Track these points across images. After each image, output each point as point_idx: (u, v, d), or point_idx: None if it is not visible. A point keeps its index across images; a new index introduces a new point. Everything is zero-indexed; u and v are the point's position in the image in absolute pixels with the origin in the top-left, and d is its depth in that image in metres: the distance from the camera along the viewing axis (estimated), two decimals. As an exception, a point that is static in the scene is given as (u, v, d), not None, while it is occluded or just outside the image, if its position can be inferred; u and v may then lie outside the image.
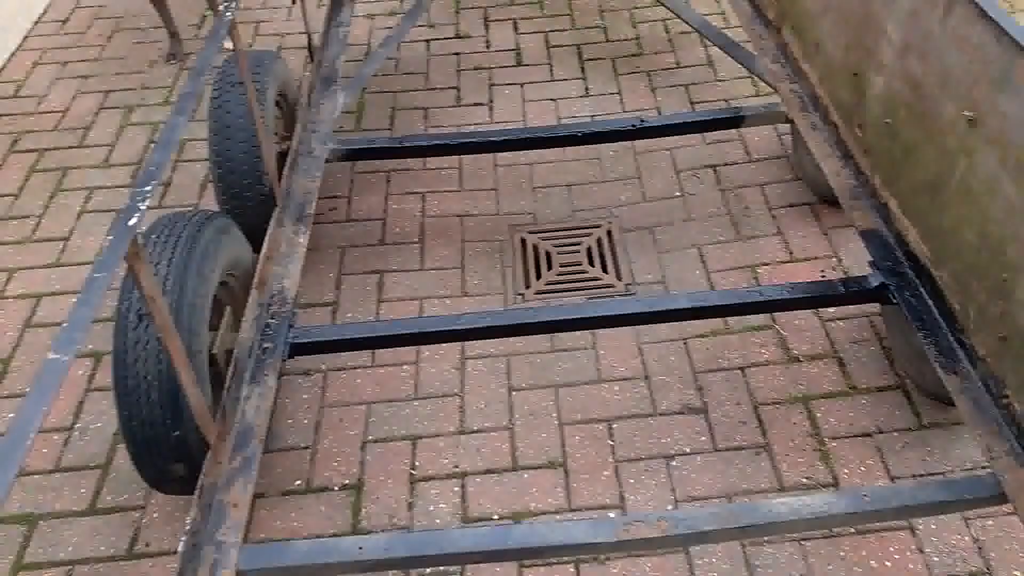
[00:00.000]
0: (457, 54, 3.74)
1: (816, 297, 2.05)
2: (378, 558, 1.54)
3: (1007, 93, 1.60)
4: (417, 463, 2.29)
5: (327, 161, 2.56)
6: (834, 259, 2.75)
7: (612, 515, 2.07)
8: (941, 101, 1.83)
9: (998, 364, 1.71)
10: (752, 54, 2.82)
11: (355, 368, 2.54)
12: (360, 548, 1.56)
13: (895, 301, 1.97)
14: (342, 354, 2.55)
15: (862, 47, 2.15)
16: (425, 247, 2.89)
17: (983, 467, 2.14)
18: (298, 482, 2.28)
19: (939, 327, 1.89)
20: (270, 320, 2.03)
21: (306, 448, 2.35)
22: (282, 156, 2.66)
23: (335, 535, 2.15)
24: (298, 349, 2.01)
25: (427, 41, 3.83)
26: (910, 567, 2.02)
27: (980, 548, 2.04)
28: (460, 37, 3.84)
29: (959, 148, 1.78)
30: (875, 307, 2.51)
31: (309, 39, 2.81)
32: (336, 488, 2.26)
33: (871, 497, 1.61)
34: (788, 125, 2.85)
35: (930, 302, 1.93)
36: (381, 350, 2.55)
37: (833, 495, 1.62)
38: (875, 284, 2.02)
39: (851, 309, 2.57)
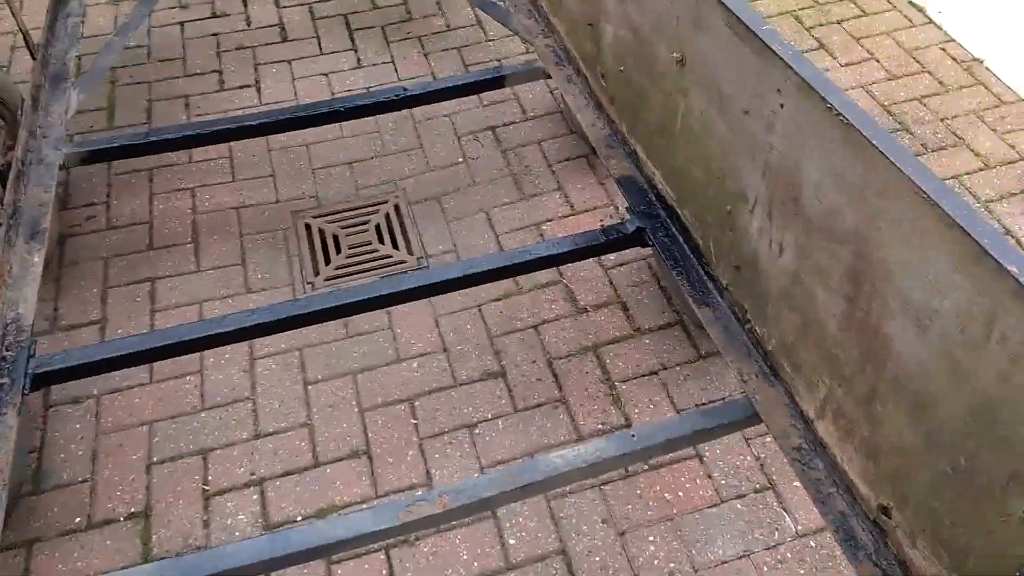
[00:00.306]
0: (216, 35, 3.49)
1: (581, 249, 2.10)
2: (146, 593, 1.42)
3: (703, 31, 1.68)
4: (210, 477, 2.16)
5: (64, 167, 2.31)
6: (612, 207, 2.84)
7: (396, 498, 2.04)
8: (656, 45, 1.90)
9: (738, 291, 1.83)
10: (509, 11, 2.82)
11: (131, 387, 2.34)
12: (126, 586, 1.43)
13: (651, 243, 2.05)
14: (115, 375, 2.35)
15: (592, -2, 2.20)
16: (200, 246, 2.70)
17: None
18: (78, 519, 2.08)
19: (690, 263, 1.99)
20: (6, 352, 1.81)
21: (84, 481, 2.15)
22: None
23: (125, 567, 1.99)
24: (43, 379, 1.81)
25: (181, 23, 3.54)
26: (701, 493, 2.14)
27: (762, 466, 2.20)
28: (217, 16, 3.59)
29: (676, 89, 1.86)
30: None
31: (25, 34, 2.51)
32: (122, 518, 2.08)
33: (638, 436, 1.68)
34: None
35: (680, 239, 2.03)
36: (161, 364, 2.37)
37: (603, 440, 1.68)
38: (632, 229, 2.09)
39: (629, 255, 2.67)
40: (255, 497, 2.12)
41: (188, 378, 2.35)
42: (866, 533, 1.60)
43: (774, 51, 1.47)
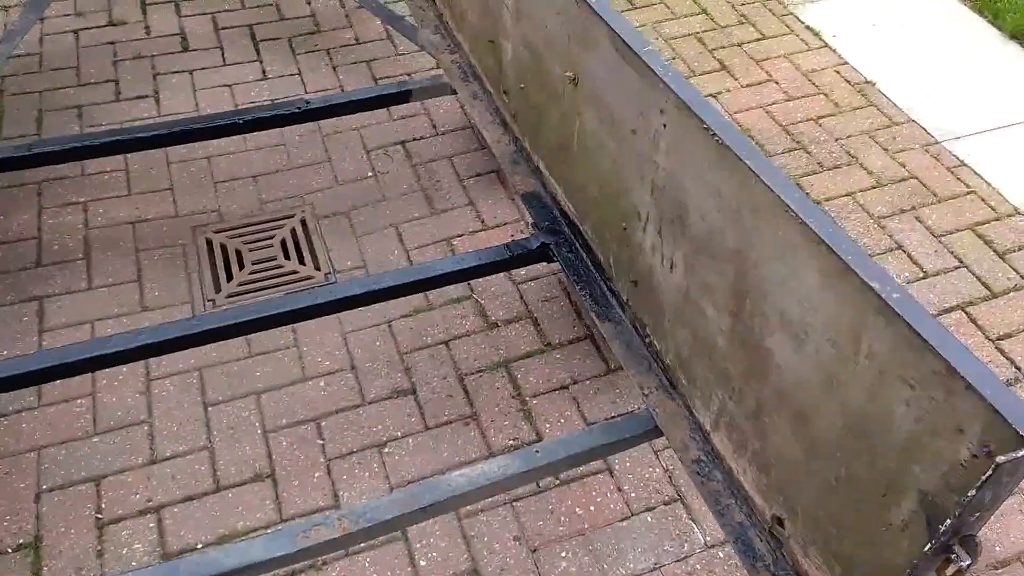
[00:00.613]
0: (112, 43, 3.37)
1: (487, 264, 2.11)
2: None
3: (591, 51, 1.72)
4: (103, 505, 2.07)
5: (-60, 181, 2.19)
6: (522, 222, 2.86)
7: (297, 523, 2.00)
8: (550, 63, 1.93)
9: (637, 306, 1.87)
10: (416, 26, 2.82)
11: (18, 412, 2.22)
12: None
13: (555, 258, 2.08)
14: (2, 399, 2.24)
15: (491, 13, 2.22)
16: (92, 263, 2.59)
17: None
18: (-41, 554, 1.97)
19: (593, 278, 2.03)
20: None
21: (-34, 514, 2.03)
22: None
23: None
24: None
25: (76, 32, 3.41)
26: (612, 507, 2.17)
27: (671, 478, 2.24)
28: (115, 24, 3.46)
29: (571, 108, 1.90)
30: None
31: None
32: (10, 550, 1.98)
33: (543, 452, 1.69)
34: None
35: (584, 255, 2.07)
36: (50, 387, 2.26)
37: (508, 458, 1.68)
38: (536, 245, 2.12)
39: (541, 269, 2.69)
40: (152, 525, 2.04)
41: (79, 401, 2.25)
42: (763, 543, 1.65)
43: (655, 72, 1.51)
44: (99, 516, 2.05)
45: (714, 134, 1.44)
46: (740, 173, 1.39)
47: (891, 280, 1.20)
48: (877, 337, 1.20)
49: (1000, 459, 1.00)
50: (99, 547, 2.00)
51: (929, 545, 1.12)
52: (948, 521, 1.09)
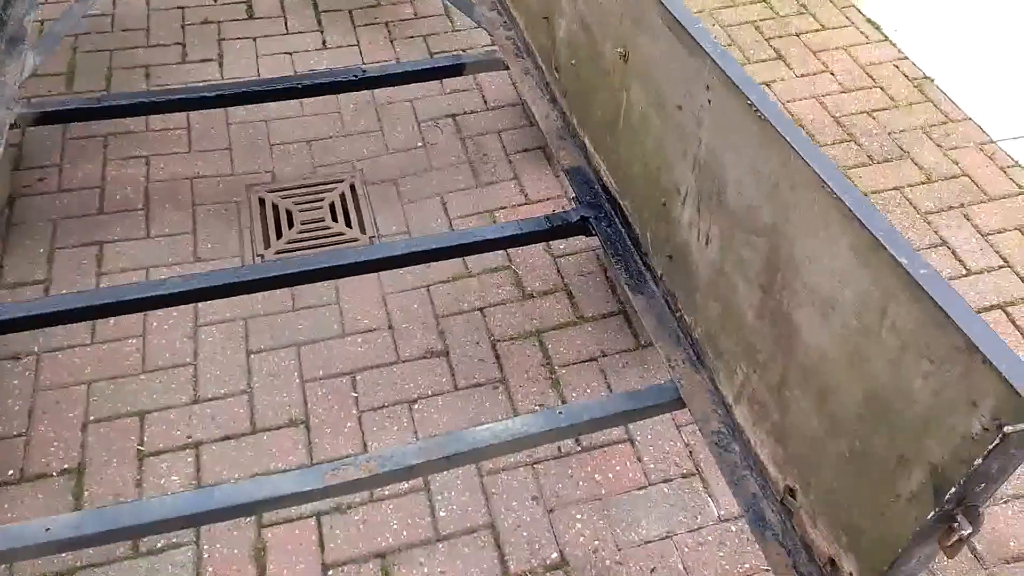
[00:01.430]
0: (182, 8, 3.49)
1: (526, 234, 2.15)
2: (67, 537, 1.45)
3: (643, 29, 1.75)
4: (146, 438, 2.18)
5: (14, 127, 2.32)
6: (564, 198, 2.90)
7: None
8: (602, 41, 1.96)
9: (671, 281, 1.89)
10: (472, 2, 2.87)
11: (73, 347, 2.35)
12: (47, 529, 1.46)
13: (594, 232, 2.12)
14: (58, 334, 2.37)
15: (548, -9, 2.26)
16: (151, 214, 2.71)
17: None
18: (11, 472, 2.09)
19: (630, 252, 2.06)
20: (-57, 303, 1.82)
21: (19, 436, 2.16)
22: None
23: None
24: (-18, 331, 1.82)
25: (147, -7, 3.55)
26: (631, 476, 2.21)
27: (691, 452, 2.27)
28: (184, -12, 3.60)
29: (620, 85, 1.93)
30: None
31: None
32: (55, 474, 2.10)
33: (565, 414, 1.74)
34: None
35: (622, 230, 2.10)
36: (102, 326, 2.38)
37: (532, 416, 1.73)
38: (576, 219, 2.16)
39: (578, 244, 2.73)
40: (190, 460, 2.14)
41: (130, 341, 2.37)
42: (775, 514, 1.68)
43: (704, 49, 1.53)
44: (140, 448, 2.16)
45: (757, 111, 1.46)
46: (780, 150, 1.42)
47: (919, 257, 1.21)
48: (902, 313, 1.22)
49: (1008, 429, 1.02)
50: (138, 477, 2.11)
51: (933, 513, 1.14)
52: (953, 490, 1.11)
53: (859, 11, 3.78)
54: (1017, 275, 2.70)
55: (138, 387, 2.27)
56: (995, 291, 2.65)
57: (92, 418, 2.20)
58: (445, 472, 2.15)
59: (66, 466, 2.11)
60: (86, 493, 2.06)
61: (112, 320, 2.40)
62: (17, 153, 2.85)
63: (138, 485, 2.08)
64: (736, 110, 1.51)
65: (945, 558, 1.78)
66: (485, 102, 3.23)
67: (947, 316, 1.13)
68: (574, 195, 2.26)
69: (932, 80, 3.45)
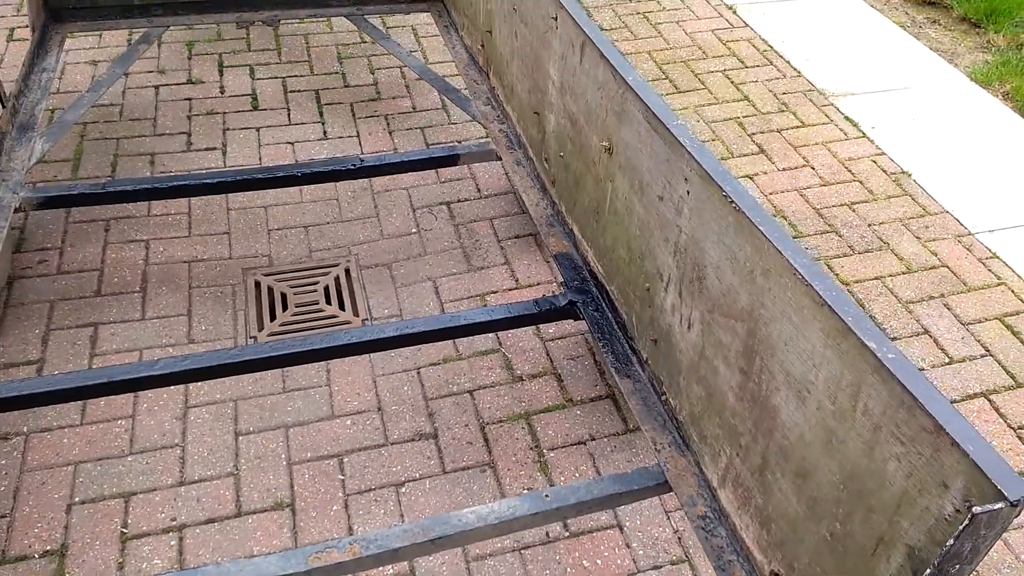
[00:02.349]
0: (189, 99, 3.65)
1: (515, 317, 2.20)
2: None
3: (626, 124, 1.85)
4: (129, 520, 2.16)
5: (19, 211, 2.39)
6: (554, 283, 2.96)
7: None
8: (589, 134, 2.06)
9: (656, 364, 1.93)
10: (469, 98, 3.01)
11: (62, 427, 2.35)
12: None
13: (582, 316, 2.17)
14: (48, 414, 2.38)
15: (538, 88, 2.38)
16: (147, 296, 2.76)
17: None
18: (-9, 556, 2.07)
19: (616, 336, 2.10)
20: (-63, 381, 1.84)
21: (2, 517, 2.14)
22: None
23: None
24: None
25: (156, 87, 3.70)
26: (619, 562, 2.19)
27: (680, 539, 2.26)
28: (192, 83, 3.75)
29: (605, 176, 2.01)
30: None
31: (-1, 86, 2.64)
32: (36, 556, 2.07)
33: (552, 496, 1.74)
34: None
35: (609, 314, 2.15)
36: (92, 406, 2.40)
37: (518, 499, 1.74)
38: (564, 303, 2.21)
39: (567, 328, 2.78)
40: (173, 543, 2.12)
41: (119, 421, 2.38)
42: (761, 602, 1.66)
43: (682, 144, 1.62)
44: (124, 531, 2.14)
45: (732, 201, 1.53)
46: (754, 238, 1.48)
47: (887, 341, 1.26)
48: (873, 395, 1.26)
49: (977, 510, 1.04)
50: (120, 560, 2.08)
51: (911, 596, 1.15)
52: (928, 572, 1.12)
53: (837, 109, 3.95)
54: (999, 364, 2.74)
55: (124, 468, 2.27)
56: (977, 379, 2.69)
57: (77, 499, 2.19)
58: (431, 556, 2.13)
59: (48, 548, 2.08)
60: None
61: (103, 400, 2.42)
62: (19, 236, 2.92)
63: (120, 568, 2.06)
64: (713, 201, 1.58)
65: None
66: (478, 190, 3.34)
67: (914, 399, 1.16)
68: (562, 280, 2.32)
69: (909, 175, 3.58)
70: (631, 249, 1.99)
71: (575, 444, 2.45)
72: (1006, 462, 1.06)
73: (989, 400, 2.62)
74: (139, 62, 3.81)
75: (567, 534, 2.23)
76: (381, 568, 2.09)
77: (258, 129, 3.53)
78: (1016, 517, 1.03)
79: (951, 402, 2.48)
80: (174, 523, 2.16)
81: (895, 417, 1.22)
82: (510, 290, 2.93)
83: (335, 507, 2.24)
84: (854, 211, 3.37)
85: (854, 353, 1.28)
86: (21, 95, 2.75)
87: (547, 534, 2.21)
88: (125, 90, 3.66)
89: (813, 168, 3.58)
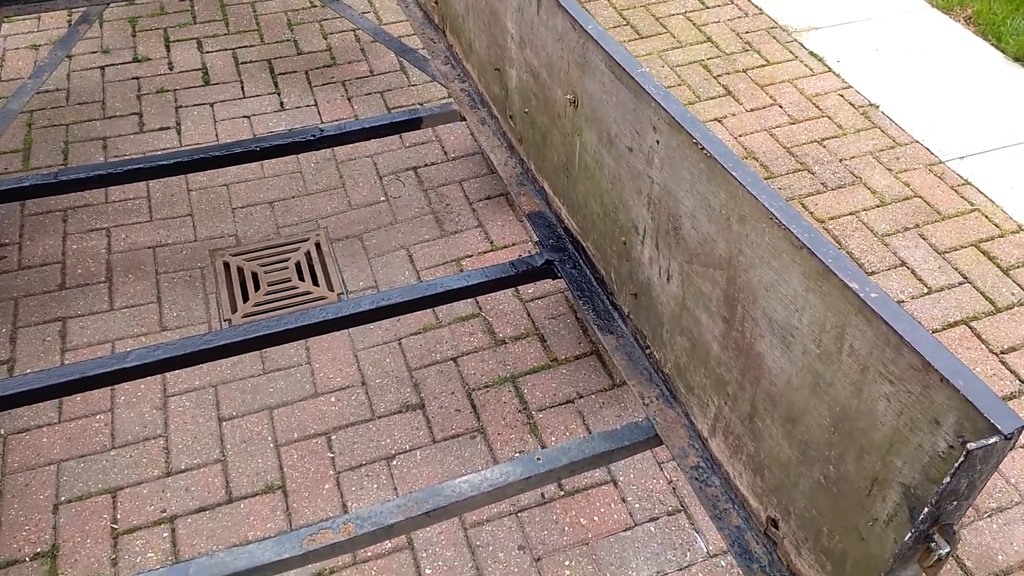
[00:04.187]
0: (137, 78, 3.52)
1: (492, 281, 2.16)
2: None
3: (589, 75, 1.79)
4: (119, 516, 2.13)
5: (-30, 206, 2.30)
6: (529, 242, 2.92)
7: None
8: (552, 87, 2.01)
9: (637, 318, 1.91)
10: (427, 58, 2.92)
11: (40, 427, 2.30)
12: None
13: (559, 275, 2.14)
14: (24, 415, 2.32)
15: (496, 44, 2.31)
16: (114, 285, 2.69)
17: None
18: (-20, 564, 2.03)
19: (596, 293, 2.08)
20: (-99, 392, 1.78)
21: (-13, 525, 2.11)
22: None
23: (27, 615, 1.95)
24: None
25: (102, 68, 3.56)
26: (616, 517, 2.20)
27: (674, 489, 2.27)
28: (139, 60, 3.62)
29: (573, 129, 1.97)
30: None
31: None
32: (28, 559, 2.04)
33: (544, 459, 1.73)
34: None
35: (587, 271, 2.12)
36: (69, 403, 2.34)
37: (510, 464, 1.72)
38: (541, 263, 2.18)
39: (547, 287, 2.76)
40: (165, 535, 2.09)
41: (98, 417, 2.33)
42: (759, 546, 1.67)
43: (648, 92, 1.57)
44: (114, 526, 2.11)
45: (703, 148, 1.50)
46: (728, 184, 1.45)
47: (869, 281, 1.24)
48: (858, 336, 1.24)
49: (971, 446, 1.03)
50: (114, 556, 2.05)
51: (910, 534, 1.15)
52: (926, 510, 1.12)
53: (802, 45, 3.90)
54: (977, 290, 2.76)
55: (109, 463, 2.23)
56: (957, 307, 2.70)
57: (63, 499, 2.15)
58: (428, 528, 2.12)
59: (39, 550, 2.05)
60: (58, 577, 2.01)
61: (79, 396, 2.37)
62: (-25, 234, 2.82)
63: (114, 564, 2.03)
64: (683, 148, 1.54)
65: (929, 576, 1.78)
66: (445, 153, 3.27)
67: (900, 337, 1.15)
68: (537, 239, 2.28)
69: (877, 106, 3.56)
70: (604, 203, 1.95)
71: (563, 403, 2.44)
72: (996, 395, 1.05)
73: (970, 327, 2.64)
74: (82, 43, 3.66)
75: (562, 494, 2.23)
76: (379, 543, 2.08)
77: (212, 104, 3.42)
78: (1011, 450, 1.02)
79: (932, 332, 2.50)
80: (165, 515, 2.13)
81: (882, 356, 1.21)
82: (485, 253, 2.89)
83: (327, 486, 2.23)
84: (824, 147, 3.35)
85: (836, 294, 1.26)
86: (-41, 87, 2.63)
87: (542, 495, 2.21)
88: (70, 73, 3.52)
89: (781, 107, 3.55)
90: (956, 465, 1.06)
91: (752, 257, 1.43)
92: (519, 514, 2.19)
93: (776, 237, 1.34)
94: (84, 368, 2.00)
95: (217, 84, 3.52)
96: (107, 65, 3.58)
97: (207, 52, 3.69)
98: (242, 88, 3.50)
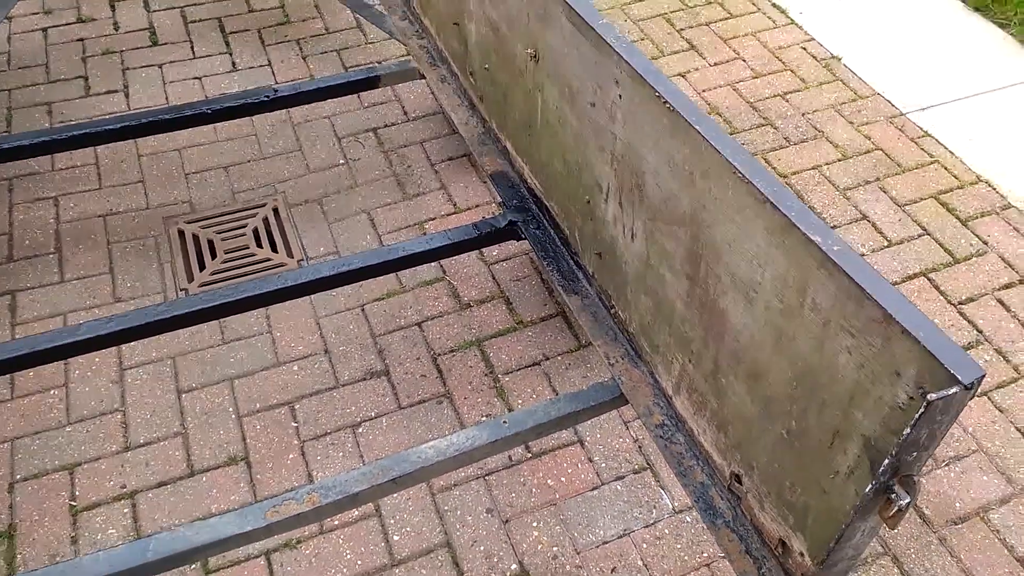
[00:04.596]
0: (81, 40, 3.37)
1: (455, 244, 2.13)
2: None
3: (550, 28, 1.75)
4: (77, 493, 2.08)
5: (-95, 176, 2.19)
6: (493, 204, 2.88)
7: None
8: (512, 42, 1.95)
9: (602, 278, 1.89)
10: (384, 13, 2.83)
11: (-9, 405, 2.24)
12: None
13: (523, 236, 2.10)
14: (-27, 393, 2.25)
15: (454, -3, 2.25)
16: (63, 256, 2.60)
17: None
18: (-66, 546, 1.98)
19: (560, 253, 2.05)
20: None
21: (-60, 507, 2.05)
22: None
23: (-15, 596, 1.90)
24: None
25: (44, 29, 3.40)
26: (583, 477, 2.20)
27: (640, 448, 2.27)
28: (83, 21, 3.46)
29: (534, 86, 1.92)
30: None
31: None
32: (-16, 542, 2.00)
33: (510, 422, 1.72)
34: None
35: (551, 231, 2.09)
36: (21, 379, 2.28)
37: (476, 428, 1.71)
38: (504, 224, 2.14)
39: (511, 249, 2.72)
40: (126, 511, 2.05)
41: (52, 392, 2.26)
42: (724, 501, 1.68)
43: (609, 44, 1.53)
44: (73, 504, 2.06)
45: (666, 102, 1.46)
46: (691, 139, 1.42)
47: (831, 234, 1.23)
48: (820, 289, 1.23)
49: (931, 396, 1.03)
50: (73, 533, 2.01)
51: (870, 486, 1.16)
52: (887, 461, 1.12)
53: (765, -3, 3.86)
54: (937, 242, 2.78)
55: (64, 439, 2.17)
56: (917, 260, 2.73)
57: (19, 476, 2.10)
58: (395, 494, 2.11)
59: (-7, 530, 2.00)
60: (19, 557, 1.96)
61: (31, 372, 2.30)
62: (-86, 206, 2.71)
63: (74, 542, 1.99)
64: (646, 103, 1.51)
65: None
66: (405, 113, 3.20)
67: (862, 290, 1.14)
68: (501, 200, 2.24)
69: (839, 59, 3.54)
70: (567, 162, 1.91)
71: (529, 366, 2.43)
72: (957, 346, 1.05)
73: (928, 279, 2.66)
74: (21, 4, 3.50)
75: (529, 455, 2.23)
76: (345, 512, 2.06)
77: (160, 66, 3.29)
78: (971, 400, 1.02)
79: (892, 284, 2.52)
80: (124, 490, 2.09)
81: (843, 310, 1.20)
82: (448, 215, 2.85)
83: (291, 456, 2.20)
84: (787, 101, 3.33)
85: (799, 248, 1.24)
86: None
87: (509, 458, 2.21)
88: (10, 36, 3.37)
89: (744, 60, 3.52)
90: (916, 416, 1.06)
91: (715, 213, 1.41)
92: (487, 477, 2.18)
93: (739, 192, 1.32)
94: (35, 342, 1.93)
95: (165, 44, 3.39)
96: (49, 27, 3.42)
97: (154, 11, 3.54)
98: (192, 48, 3.38)
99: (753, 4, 3.81)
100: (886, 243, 2.78)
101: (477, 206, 2.88)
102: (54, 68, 3.24)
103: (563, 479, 2.19)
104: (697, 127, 1.36)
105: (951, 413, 1.07)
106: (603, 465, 2.23)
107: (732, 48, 3.57)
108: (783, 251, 1.27)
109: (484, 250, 2.72)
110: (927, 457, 1.15)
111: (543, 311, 2.58)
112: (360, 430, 2.27)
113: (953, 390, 1.03)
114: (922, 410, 1.05)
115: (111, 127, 2.39)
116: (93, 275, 2.56)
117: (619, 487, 2.18)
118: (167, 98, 3.16)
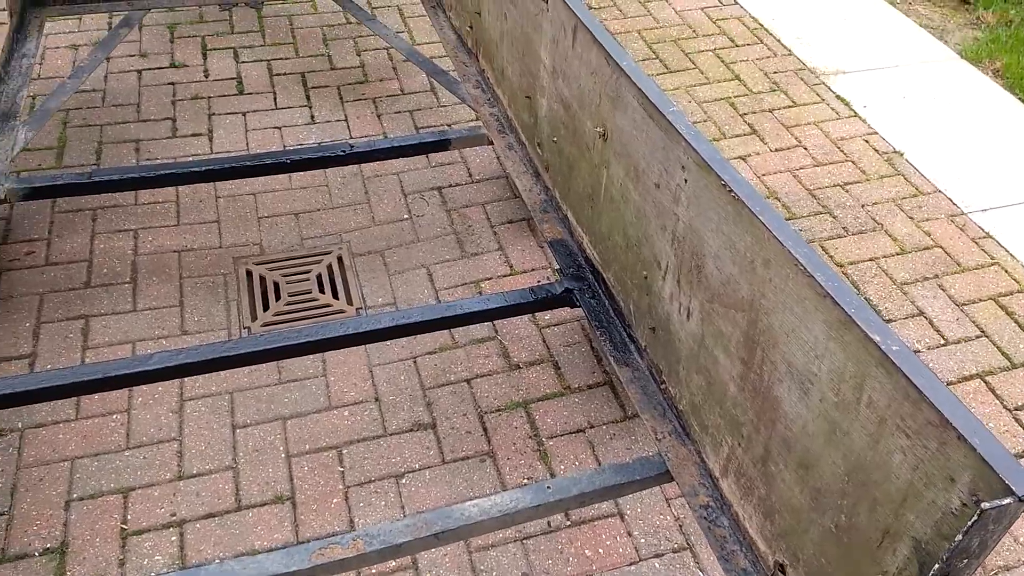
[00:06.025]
0: (172, 84, 3.58)
1: (511, 306, 2.19)
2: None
3: (620, 110, 1.83)
4: (129, 516, 2.15)
5: (3, 201, 2.35)
6: (549, 269, 2.95)
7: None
8: (582, 119, 2.04)
9: (654, 353, 1.93)
10: (458, 80, 2.97)
11: (57, 423, 2.33)
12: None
13: (578, 304, 2.16)
14: (42, 410, 2.35)
15: (529, 72, 2.35)
16: (138, 287, 2.73)
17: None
18: (-10, 555, 2.06)
19: (614, 324, 2.09)
20: (-72, 381, 1.81)
21: (1, 515, 2.13)
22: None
23: (32, 610, 1.96)
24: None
25: (139, 71, 3.63)
26: (621, 551, 2.20)
27: (681, 526, 2.26)
28: (176, 66, 3.69)
29: (600, 161, 1.99)
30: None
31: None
32: (37, 553, 2.06)
33: (554, 488, 1.74)
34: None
35: (605, 301, 2.14)
36: (87, 401, 2.38)
37: (520, 491, 1.73)
38: (560, 291, 2.20)
39: (564, 314, 2.77)
40: (174, 538, 2.11)
41: (115, 416, 2.36)
42: (764, 590, 1.67)
43: (679, 131, 1.60)
44: (124, 527, 2.13)
45: (731, 190, 1.52)
46: (754, 228, 1.47)
47: (891, 333, 1.25)
48: (877, 387, 1.25)
49: (985, 506, 1.04)
50: (122, 556, 2.07)
51: (919, 590, 1.16)
52: (937, 566, 1.12)
53: (829, 88, 3.93)
54: (994, 344, 2.76)
55: (122, 463, 2.25)
56: (973, 361, 2.70)
57: (75, 496, 2.18)
58: (433, 550, 2.13)
59: (48, 546, 2.07)
60: (68, 574, 2.02)
61: (97, 395, 2.40)
62: (5, 227, 2.87)
63: (121, 565, 2.05)
64: (711, 189, 1.57)
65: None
66: (470, 175, 3.31)
67: (919, 392, 1.16)
68: (558, 267, 2.31)
69: (901, 154, 3.57)
70: (627, 236, 1.97)
71: (574, 432, 2.45)
72: (1012, 456, 1.06)
73: (985, 381, 2.63)
74: (121, 46, 3.74)
75: (568, 523, 2.23)
76: (385, 562, 2.09)
77: (244, 114, 3.47)
78: (1025, 513, 1.03)
79: (947, 384, 2.50)
80: (174, 518, 2.15)
81: (900, 410, 1.22)
82: (504, 276, 2.92)
83: (335, 500, 2.24)
84: (847, 192, 3.37)
85: (858, 345, 1.27)
86: (1, 82, 2.69)
87: (548, 524, 2.22)
88: (107, 75, 3.60)
89: (806, 148, 3.57)
90: (969, 523, 1.07)
91: (775, 301, 1.44)
92: (524, 541, 2.19)
93: (800, 284, 1.36)
94: (107, 368, 2.03)
95: (251, 94, 3.58)
96: (144, 69, 3.65)
97: (243, 62, 3.76)
98: (275, 99, 3.56)
99: (817, 95, 3.88)
100: (942, 341, 2.77)
101: (533, 269, 2.95)
102: (145, 108, 3.45)
103: (601, 550, 2.19)
104: (761, 217, 1.41)
105: (1004, 523, 1.08)
106: (642, 540, 2.22)
107: (794, 135, 3.64)
108: (841, 345, 1.30)
109: (537, 314, 2.78)
110: (977, 566, 1.15)
111: (591, 379, 2.61)
112: (403, 480, 2.30)
113: (1007, 500, 1.04)
114: (975, 518, 1.06)
115: (196, 169, 2.54)
116: (164, 307, 2.67)
117: (657, 564, 2.17)
118: (247, 144, 3.32)
